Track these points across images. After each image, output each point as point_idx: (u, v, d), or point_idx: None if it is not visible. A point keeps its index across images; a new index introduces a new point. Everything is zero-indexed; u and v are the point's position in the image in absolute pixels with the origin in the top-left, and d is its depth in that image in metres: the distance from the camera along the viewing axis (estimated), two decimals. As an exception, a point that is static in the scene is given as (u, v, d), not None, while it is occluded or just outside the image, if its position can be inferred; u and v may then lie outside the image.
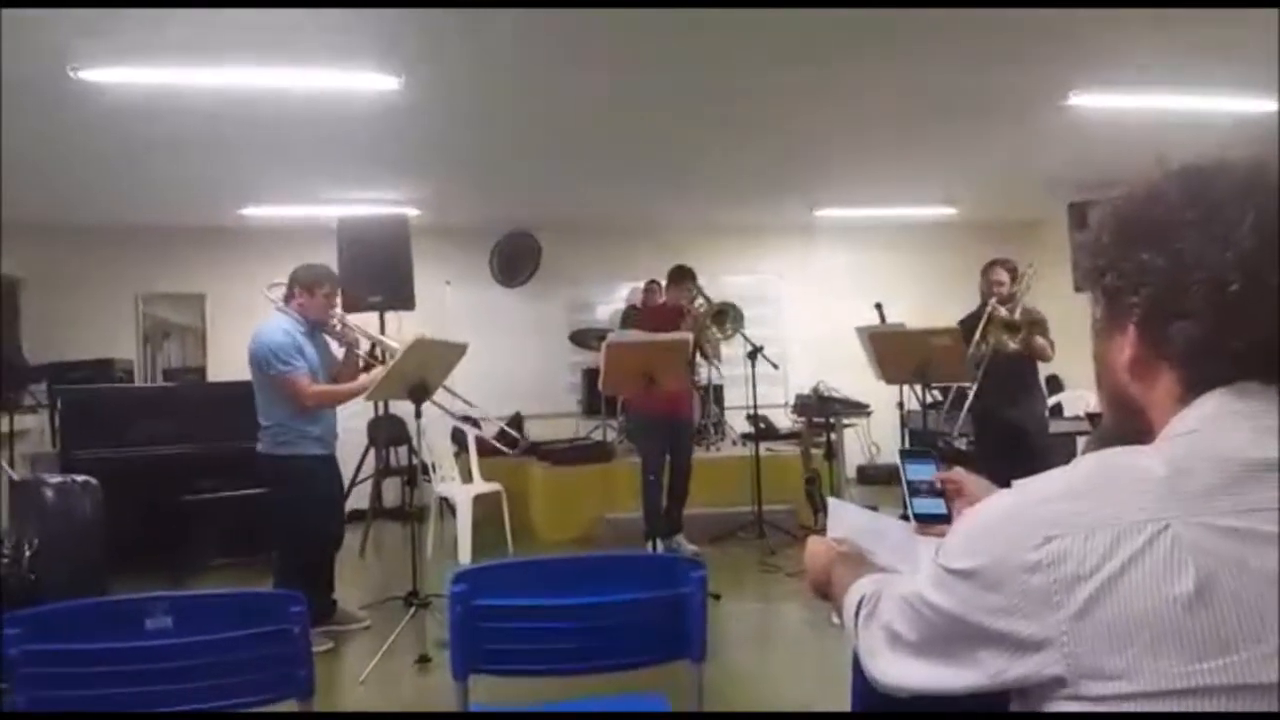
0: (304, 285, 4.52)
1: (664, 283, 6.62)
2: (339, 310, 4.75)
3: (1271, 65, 4.55)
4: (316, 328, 4.60)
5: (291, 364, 4.35)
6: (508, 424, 8.23)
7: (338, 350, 4.78)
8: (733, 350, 6.67)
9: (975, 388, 5.62)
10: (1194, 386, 0.89)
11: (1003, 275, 5.63)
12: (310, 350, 4.51)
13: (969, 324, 5.64)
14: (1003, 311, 5.47)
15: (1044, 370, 5.90)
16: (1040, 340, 5.46)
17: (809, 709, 3.58)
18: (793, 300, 9.65)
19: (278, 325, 4.46)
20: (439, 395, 4.76)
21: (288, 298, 4.58)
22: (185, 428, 6.34)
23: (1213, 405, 0.87)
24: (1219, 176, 0.89)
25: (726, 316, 6.34)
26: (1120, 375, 0.95)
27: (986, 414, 5.69)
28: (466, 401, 5.09)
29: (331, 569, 4.79)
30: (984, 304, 5.63)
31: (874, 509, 1.46)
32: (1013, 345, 5.40)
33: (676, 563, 2.29)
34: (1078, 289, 0.99)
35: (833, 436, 7.28)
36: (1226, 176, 0.89)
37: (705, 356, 6.46)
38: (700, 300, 6.44)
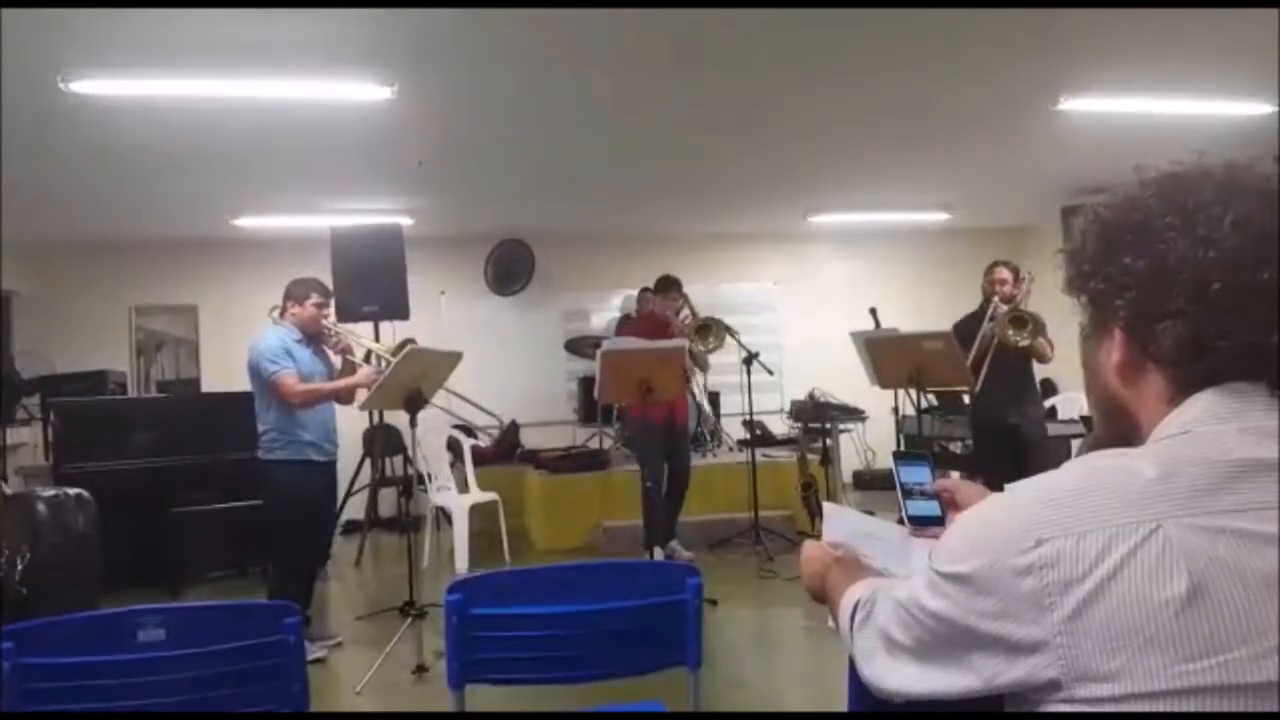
0: (294, 297, 4.67)
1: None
2: (331, 319, 4.79)
3: (1261, 67, 4.57)
4: (313, 339, 4.67)
5: (279, 364, 4.44)
6: (504, 432, 8.25)
7: (337, 361, 4.81)
8: (729, 358, 6.63)
9: (975, 390, 5.61)
10: (1182, 388, 0.89)
11: (1005, 274, 5.61)
12: (304, 357, 4.58)
13: (968, 325, 5.62)
14: (1004, 309, 5.44)
15: (1039, 373, 5.89)
16: (1042, 340, 5.44)
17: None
18: (788, 307, 9.65)
19: (270, 332, 4.60)
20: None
21: (282, 311, 4.71)
22: (179, 439, 6.32)
23: (1201, 406, 0.88)
24: (1197, 180, 0.90)
25: (710, 331, 6.24)
26: (1109, 379, 0.95)
27: (985, 417, 5.69)
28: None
29: (311, 581, 4.77)
30: (985, 303, 5.63)
31: (870, 514, 1.45)
32: (1022, 340, 5.34)
33: (672, 570, 2.28)
34: (1066, 292, 1.00)
35: (829, 442, 7.29)
36: (1205, 180, 0.90)
37: (697, 364, 6.35)
38: (686, 312, 6.33)
